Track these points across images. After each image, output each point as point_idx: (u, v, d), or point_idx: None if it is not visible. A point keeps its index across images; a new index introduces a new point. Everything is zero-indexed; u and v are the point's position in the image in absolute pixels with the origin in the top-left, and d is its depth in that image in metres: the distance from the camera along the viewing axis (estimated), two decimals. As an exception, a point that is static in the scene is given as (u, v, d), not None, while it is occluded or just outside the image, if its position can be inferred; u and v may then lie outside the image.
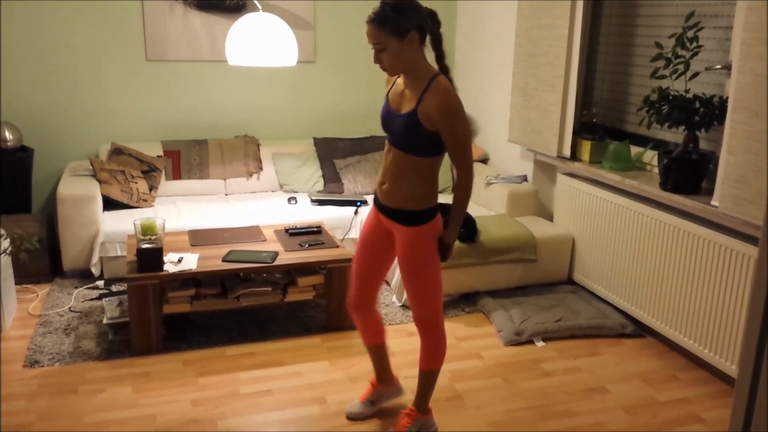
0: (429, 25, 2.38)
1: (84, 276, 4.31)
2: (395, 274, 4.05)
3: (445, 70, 2.46)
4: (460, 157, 2.43)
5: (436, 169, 2.53)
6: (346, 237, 4.57)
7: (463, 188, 2.51)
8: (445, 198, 4.97)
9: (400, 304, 4.03)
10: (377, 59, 2.38)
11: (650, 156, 3.88)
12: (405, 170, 2.49)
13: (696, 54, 3.31)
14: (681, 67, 3.36)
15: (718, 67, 3.39)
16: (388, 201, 2.57)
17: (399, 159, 2.49)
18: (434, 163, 2.50)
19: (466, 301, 4.11)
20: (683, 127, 3.39)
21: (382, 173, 2.59)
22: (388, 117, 2.52)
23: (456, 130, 2.37)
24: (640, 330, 3.78)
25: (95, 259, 4.15)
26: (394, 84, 2.56)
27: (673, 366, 3.44)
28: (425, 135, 2.41)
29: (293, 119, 5.41)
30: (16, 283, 4.12)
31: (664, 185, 3.48)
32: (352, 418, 2.91)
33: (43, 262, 4.23)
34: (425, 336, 2.67)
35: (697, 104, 3.31)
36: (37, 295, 4.06)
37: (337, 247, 3.75)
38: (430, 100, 2.36)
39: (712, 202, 3.17)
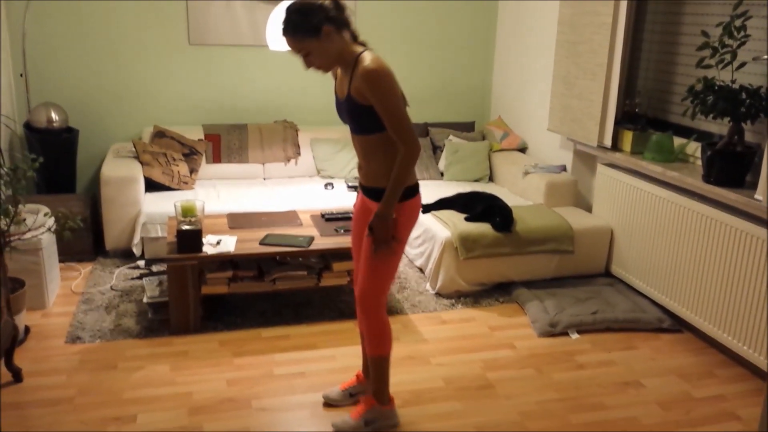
0: (336, 12, 2.38)
1: (125, 256, 4.41)
2: (429, 261, 4.05)
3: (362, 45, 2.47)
4: (396, 128, 2.38)
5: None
6: (382, 223, 4.58)
7: (399, 164, 2.42)
8: (483, 187, 4.95)
9: (433, 292, 4.03)
10: (307, 64, 2.43)
11: (693, 147, 3.80)
12: (368, 151, 2.50)
13: (743, 43, 3.23)
14: (727, 57, 3.28)
15: (766, 57, 3.30)
16: (365, 181, 2.60)
17: (359, 142, 2.52)
18: (390, 138, 2.46)
19: (501, 291, 4.10)
20: (728, 119, 3.31)
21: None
22: (338, 106, 2.58)
23: (381, 97, 2.35)
24: (678, 325, 3.72)
25: (136, 240, 4.24)
26: (337, 77, 2.58)
27: (710, 362, 3.38)
28: (366, 112, 2.41)
29: (331, 105, 5.43)
30: (60, 261, 4.23)
31: (707, 178, 3.41)
32: (327, 402, 2.91)
33: (87, 241, 4.33)
34: (364, 317, 2.62)
35: (743, 95, 3.23)
36: (80, 273, 4.17)
37: (373, 233, 3.76)
38: (357, 76, 2.38)
39: (756, 196, 3.10)
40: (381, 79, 2.34)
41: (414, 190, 2.56)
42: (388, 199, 2.45)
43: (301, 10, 2.33)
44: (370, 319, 2.63)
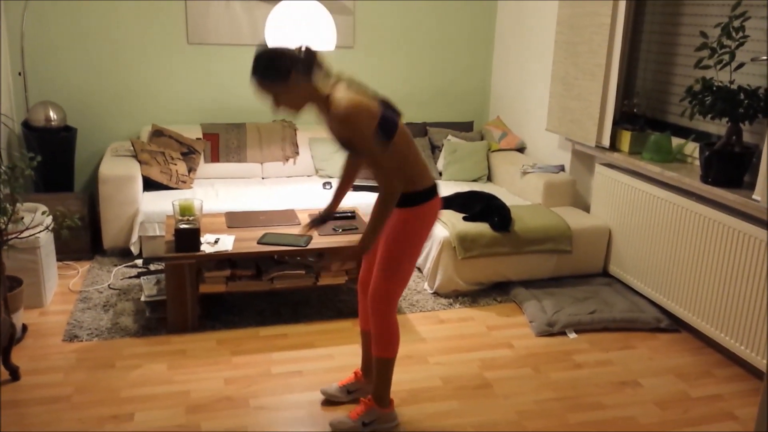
0: (305, 58, 2.40)
1: (123, 254, 4.41)
2: (427, 261, 4.05)
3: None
4: (370, 163, 2.42)
5: (401, 154, 2.49)
6: (380, 223, 4.58)
7: (377, 202, 2.47)
8: (481, 186, 4.96)
9: (431, 292, 4.03)
10: (276, 107, 2.44)
11: (692, 148, 3.80)
12: (375, 167, 2.48)
13: (742, 44, 3.23)
14: (726, 58, 3.28)
15: (765, 58, 3.30)
16: None
17: (366, 163, 2.51)
18: (391, 152, 2.46)
19: (498, 290, 4.10)
20: (726, 119, 3.31)
21: None
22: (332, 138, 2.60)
23: (353, 136, 2.37)
24: (676, 325, 3.72)
25: (134, 238, 4.23)
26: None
27: (708, 362, 3.39)
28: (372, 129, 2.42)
29: (331, 104, 5.43)
30: (58, 260, 4.23)
31: (705, 178, 3.41)
32: (325, 397, 2.92)
33: (84, 239, 4.33)
34: (374, 318, 2.62)
35: (742, 96, 3.23)
36: (78, 272, 4.17)
37: (371, 232, 3.76)
38: (332, 118, 2.41)
39: (754, 197, 3.10)
40: (350, 119, 2.35)
41: (427, 195, 2.54)
42: (367, 235, 2.49)
43: (270, 56, 2.36)
44: (380, 320, 2.62)
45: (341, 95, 2.37)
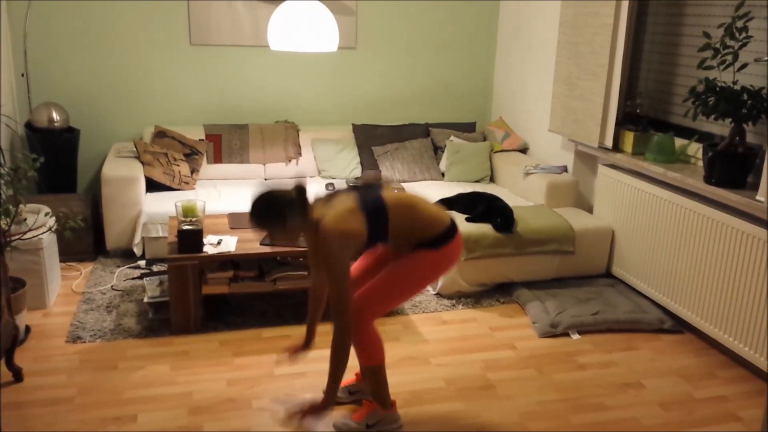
0: (298, 197, 2.48)
1: (126, 255, 4.41)
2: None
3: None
4: (332, 293, 2.48)
5: (407, 221, 2.57)
6: (382, 224, 4.59)
7: (332, 349, 2.54)
8: (484, 187, 4.95)
9: (434, 293, 4.03)
10: (271, 239, 2.54)
11: (695, 148, 3.80)
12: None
13: (745, 44, 3.23)
14: (729, 58, 3.27)
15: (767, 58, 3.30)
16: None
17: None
18: (393, 230, 2.55)
19: (501, 291, 4.09)
20: (730, 120, 3.30)
21: None
22: None
23: (327, 257, 2.43)
24: (679, 326, 3.71)
25: (137, 239, 4.24)
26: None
27: (712, 363, 3.38)
28: (351, 252, 2.49)
29: (333, 105, 5.43)
30: (61, 261, 4.23)
31: (709, 179, 3.40)
32: None
33: (87, 240, 4.33)
34: (356, 330, 2.63)
35: (745, 96, 3.22)
36: (81, 273, 4.17)
37: (374, 233, 3.76)
38: (320, 241, 2.47)
39: (758, 197, 3.10)
40: (332, 243, 2.42)
41: (443, 238, 2.61)
42: (330, 390, 2.54)
43: (266, 204, 2.46)
44: (362, 328, 2.62)
45: (329, 219, 2.45)
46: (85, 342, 3.36)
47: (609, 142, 4.14)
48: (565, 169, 4.68)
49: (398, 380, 3.11)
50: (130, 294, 3.88)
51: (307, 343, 2.94)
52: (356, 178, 4.93)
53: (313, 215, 2.51)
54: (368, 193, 2.58)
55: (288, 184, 2.51)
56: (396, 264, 2.62)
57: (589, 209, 4.57)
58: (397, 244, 2.63)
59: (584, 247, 4.15)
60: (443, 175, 5.16)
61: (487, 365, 3.28)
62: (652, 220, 3.83)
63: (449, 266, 2.67)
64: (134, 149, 4.69)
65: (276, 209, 2.45)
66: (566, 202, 4.52)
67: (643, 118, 4.11)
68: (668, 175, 3.66)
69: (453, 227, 2.65)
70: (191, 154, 4.77)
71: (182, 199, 3.55)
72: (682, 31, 3.93)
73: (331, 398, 2.56)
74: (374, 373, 2.68)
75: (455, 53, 5.59)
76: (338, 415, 2.83)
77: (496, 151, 5.23)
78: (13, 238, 3.21)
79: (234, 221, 3.86)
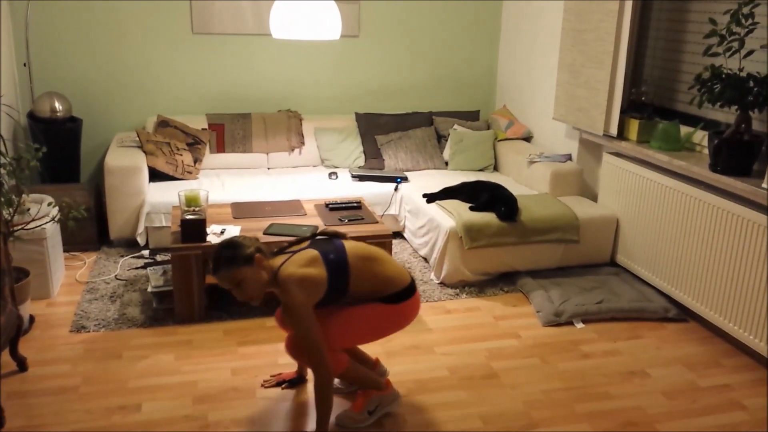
0: (255, 248, 2.50)
1: (130, 245, 4.41)
2: (434, 251, 4.04)
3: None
4: (301, 337, 2.44)
5: (368, 273, 2.57)
6: (385, 213, 4.58)
7: (316, 390, 2.50)
8: (487, 176, 4.93)
9: (438, 282, 4.02)
10: (241, 295, 2.50)
11: (700, 136, 3.77)
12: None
13: (751, 31, 3.20)
14: (735, 45, 3.25)
15: (775, 44, 3.27)
16: None
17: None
18: (353, 283, 2.55)
19: (505, 280, 4.09)
20: (735, 107, 3.28)
21: None
22: None
23: (288, 309, 2.42)
24: (684, 314, 3.71)
25: (141, 229, 4.24)
26: None
27: (716, 352, 3.37)
28: (314, 301, 2.49)
29: (336, 94, 5.41)
30: (65, 251, 4.24)
31: (714, 167, 3.38)
32: None
33: (91, 230, 4.33)
34: (307, 358, 2.53)
35: (751, 83, 3.20)
36: (85, 263, 4.17)
37: (377, 222, 3.76)
38: (280, 291, 2.48)
39: (763, 185, 3.08)
40: (291, 288, 2.42)
41: (403, 295, 2.62)
42: (321, 427, 2.51)
43: (232, 245, 2.48)
44: (311, 363, 2.51)
45: (288, 267, 2.47)
46: (89, 331, 3.37)
47: (614, 130, 4.12)
48: (569, 157, 4.66)
49: (402, 369, 3.11)
50: (133, 283, 3.89)
51: (300, 378, 2.99)
52: (359, 167, 4.92)
53: (271, 264, 2.52)
54: (330, 244, 2.60)
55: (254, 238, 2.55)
56: (351, 308, 2.61)
57: (594, 198, 4.55)
58: (355, 299, 2.63)
59: (588, 236, 4.14)
60: (447, 163, 5.15)
61: (491, 354, 3.28)
62: (657, 209, 3.81)
63: (403, 324, 2.67)
64: (137, 139, 4.68)
65: (245, 248, 2.47)
66: (570, 190, 4.50)
67: (648, 105, 4.08)
68: (673, 163, 3.64)
69: (412, 286, 2.66)
70: (194, 143, 4.76)
71: (185, 189, 3.54)
72: (687, 17, 3.90)
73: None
74: (348, 375, 2.69)
75: (459, 41, 5.56)
76: (340, 409, 2.83)
77: (500, 140, 5.21)
78: (16, 228, 3.21)
79: (237, 211, 3.86)
